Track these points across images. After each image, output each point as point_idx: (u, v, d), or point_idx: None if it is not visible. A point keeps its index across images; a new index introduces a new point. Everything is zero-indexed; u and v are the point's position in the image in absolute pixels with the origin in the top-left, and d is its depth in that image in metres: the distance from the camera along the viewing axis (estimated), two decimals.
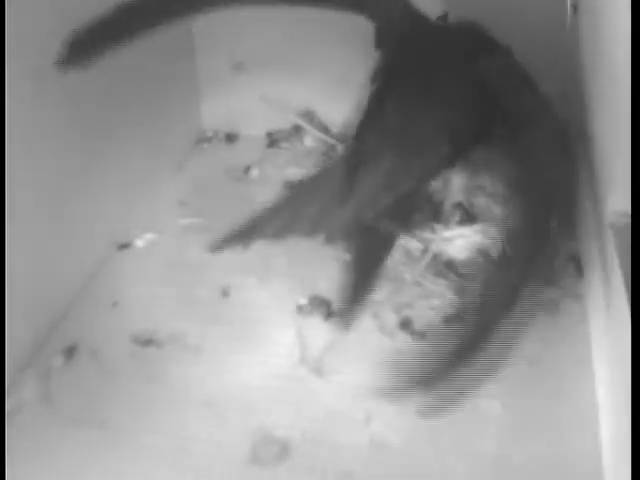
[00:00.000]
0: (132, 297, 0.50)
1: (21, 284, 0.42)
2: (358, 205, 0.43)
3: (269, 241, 0.43)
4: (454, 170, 0.47)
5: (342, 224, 0.43)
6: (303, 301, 0.48)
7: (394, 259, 0.49)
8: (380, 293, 0.48)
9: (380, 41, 0.52)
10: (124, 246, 0.55)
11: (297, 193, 0.48)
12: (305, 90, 0.65)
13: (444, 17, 0.56)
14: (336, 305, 0.47)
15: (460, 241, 0.48)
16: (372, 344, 0.45)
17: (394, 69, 0.49)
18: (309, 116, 0.67)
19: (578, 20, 0.55)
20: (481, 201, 0.47)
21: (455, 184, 0.47)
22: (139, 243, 0.55)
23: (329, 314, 0.47)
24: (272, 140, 0.67)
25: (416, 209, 0.46)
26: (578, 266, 0.49)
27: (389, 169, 0.43)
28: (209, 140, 0.69)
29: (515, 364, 0.43)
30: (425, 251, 0.48)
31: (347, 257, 0.43)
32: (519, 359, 0.43)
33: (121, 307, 0.49)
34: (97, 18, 0.42)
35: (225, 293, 0.50)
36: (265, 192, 0.59)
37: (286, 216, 0.44)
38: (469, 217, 0.48)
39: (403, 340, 0.45)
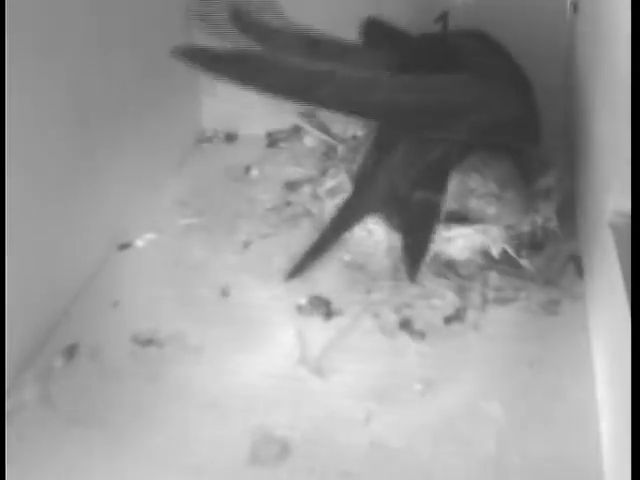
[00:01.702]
0: (132, 297, 0.50)
1: (21, 284, 0.42)
2: (391, 176, 0.45)
3: None
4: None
5: (379, 196, 0.45)
6: (303, 301, 0.48)
7: (394, 258, 0.49)
8: (380, 293, 0.48)
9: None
10: (124, 246, 0.55)
11: None
12: None
13: (444, 16, 0.56)
14: (338, 309, 0.47)
15: (460, 241, 0.48)
16: (372, 344, 0.45)
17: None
18: (309, 116, 0.67)
19: (578, 20, 0.55)
20: (473, 203, 0.47)
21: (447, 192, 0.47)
22: (139, 243, 0.55)
23: (329, 314, 0.47)
24: (272, 140, 0.67)
25: (447, 175, 0.46)
26: (578, 266, 0.49)
27: (416, 140, 0.45)
28: (209, 140, 0.69)
29: (515, 364, 0.43)
30: None
31: (395, 229, 0.46)
32: (519, 359, 0.43)
33: (121, 307, 0.49)
34: None
35: (225, 293, 0.50)
36: (265, 192, 0.60)
37: None
38: (467, 220, 0.48)
39: (403, 340, 0.45)
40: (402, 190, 0.45)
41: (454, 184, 0.47)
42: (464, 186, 0.47)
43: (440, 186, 0.45)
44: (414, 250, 0.44)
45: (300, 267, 0.45)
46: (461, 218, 0.48)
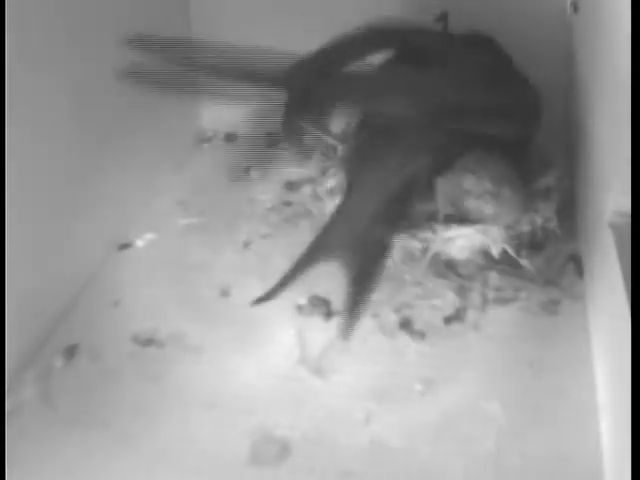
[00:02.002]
0: (132, 297, 0.50)
1: (21, 284, 0.42)
2: (353, 216, 0.45)
3: None
4: (438, 182, 0.47)
5: (341, 240, 0.45)
6: (303, 301, 0.48)
7: (394, 259, 0.49)
8: (380, 293, 0.48)
9: None
10: (124, 246, 0.55)
11: None
12: None
13: (444, 17, 0.56)
14: (338, 309, 0.47)
15: (460, 241, 0.48)
16: (372, 344, 0.45)
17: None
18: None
19: (578, 20, 0.55)
20: (471, 204, 0.47)
21: (441, 196, 0.47)
22: (139, 243, 0.55)
23: (329, 314, 0.47)
24: (272, 140, 0.67)
25: (404, 214, 0.47)
26: (578, 266, 0.49)
27: (376, 177, 0.46)
28: (209, 140, 0.69)
29: (515, 364, 0.43)
30: (425, 251, 0.48)
31: (346, 267, 0.44)
32: (519, 359, 0.43)
33: (121, 307, 0.49)
34: None
35: (225, 293, 0.50)
36: (265, 192, 0.60)
37: None
38: (466, 221, 0.48)
39: (403, 340, 0.45)
40: (361, 229, 0.45)
41: (448, 186, 0.47)
42: (459, 188, 0.47)
43: (397, 222, 0.46)
44: (357, 297, 0.44)
45: (269, 295, 0.45)
46: (460, 219, 0.48)
